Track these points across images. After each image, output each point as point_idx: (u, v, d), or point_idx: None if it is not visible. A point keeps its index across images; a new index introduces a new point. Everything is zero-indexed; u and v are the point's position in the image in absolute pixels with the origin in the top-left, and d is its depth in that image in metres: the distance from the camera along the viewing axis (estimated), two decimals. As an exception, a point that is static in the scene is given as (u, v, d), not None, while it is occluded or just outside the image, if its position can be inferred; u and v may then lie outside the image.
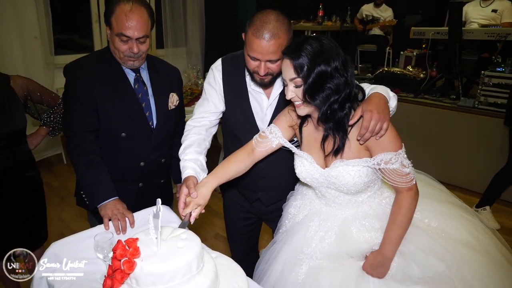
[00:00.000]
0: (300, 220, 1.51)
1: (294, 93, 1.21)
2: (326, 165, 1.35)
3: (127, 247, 0.98)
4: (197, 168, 1.44)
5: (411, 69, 4.71)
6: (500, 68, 3.60)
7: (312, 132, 1.38)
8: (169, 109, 1.71)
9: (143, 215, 1.55)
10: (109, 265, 1.02)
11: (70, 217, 3.26)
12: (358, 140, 1.25)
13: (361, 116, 1.23)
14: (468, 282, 1.25)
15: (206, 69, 6.00)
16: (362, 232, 1.38)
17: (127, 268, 0.94)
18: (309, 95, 1.19)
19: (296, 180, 1.63)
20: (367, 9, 5.96)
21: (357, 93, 1.28)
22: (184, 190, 1.30)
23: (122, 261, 0.95)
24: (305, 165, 1.39)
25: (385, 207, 1.40)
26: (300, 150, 1.42)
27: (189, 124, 1.60)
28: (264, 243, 2.31)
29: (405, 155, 1.26)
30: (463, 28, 4.12)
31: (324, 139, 1.31)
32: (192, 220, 1.25)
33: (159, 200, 1.01)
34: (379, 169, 1.26)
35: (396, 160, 1.23)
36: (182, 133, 1.58)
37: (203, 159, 1.52)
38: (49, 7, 4.55)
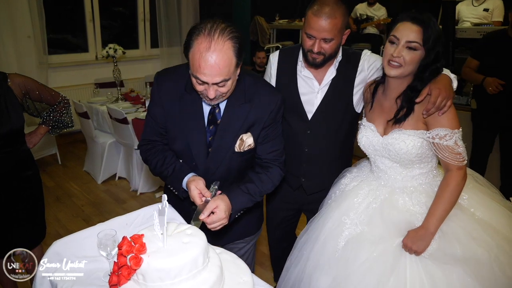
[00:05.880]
0: (351, 188, 1.62)
1: (401, 53, 1.33)
2: (384, 133, 1.49)
3: (133, 243, 0.98)
4: None
5: (405, 68, 4.74)
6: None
7: (379, 99, 1.53)
8: (236, 150, 1.42)
9: (144, 212, 1.55)
10: (115, 261, 1.02)
11: (66, 217, 3.25)
12: (423, 114, 1.36)
13: (427, 94, 1.35)
14: (507, 274, 1.29)
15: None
16: (408, 205, 1.45)
17: (134, 264, 0.94)
18: (423, 61, 1.34)
19: (341, 168, 1.78)
20: (361, 9, 6.00)
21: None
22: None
23: (129, 257, 0.95)
24: (367, 132, 1.53)
25: (434, 188, 1.44)
26: (365, 118, 1.59)
27: None
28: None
29: (461, 137, 1.35)
30: (456, 27, 4.17)
31: (399, 110, 1.43)
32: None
33: (164, 196, 1.01)
34: (433, 143, 1.36)
35: (450, 137, 1.33)
36: (262, 165, 1.46)
37: None
38: (42, 6, 4.53)
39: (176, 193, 1.45)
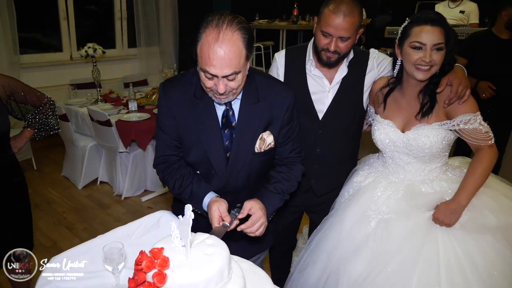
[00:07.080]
0: (367, 184, 1.63)
1: (432, 56, 1.37)
2: (405, 129, 1.52)
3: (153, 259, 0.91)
4: None
5: (385, 68, 4.82)
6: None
7: (396, 98, 1.56)
8: (256, 151, 1.36)
9: (146, 222, 1.49)
10: (130, 278, 0.94)
11: (48, 226, 3.06)
12: (445, 103, 1.43)
13: (447, 85, 1.43)
14: None
15: (180, 68, 5.87)
16: (431, 191, 1.50)
17: (158, 281, 0.87)
18: (446, 57, 1.41)
19: (350, 167, 1.79)
20: (340, 9, 6.06)
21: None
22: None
23: (151, 274, 0.88)
24: (385, 129, 1.56)
25: (451, 177, 1.54)
26: (378, 115, 1.60)
27: None
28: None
29: (481, 117, 1.42)
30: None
31: (424, 104, 1.48)
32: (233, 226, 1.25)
33: (189, 206, 0.94)
34: (459, 130, 1.43)
35: (475, 120, 1.41)
36: (284, 164, 1.43)
37: None
38: (13, 3, 4.28)
39: (199, 212, 1.37)
